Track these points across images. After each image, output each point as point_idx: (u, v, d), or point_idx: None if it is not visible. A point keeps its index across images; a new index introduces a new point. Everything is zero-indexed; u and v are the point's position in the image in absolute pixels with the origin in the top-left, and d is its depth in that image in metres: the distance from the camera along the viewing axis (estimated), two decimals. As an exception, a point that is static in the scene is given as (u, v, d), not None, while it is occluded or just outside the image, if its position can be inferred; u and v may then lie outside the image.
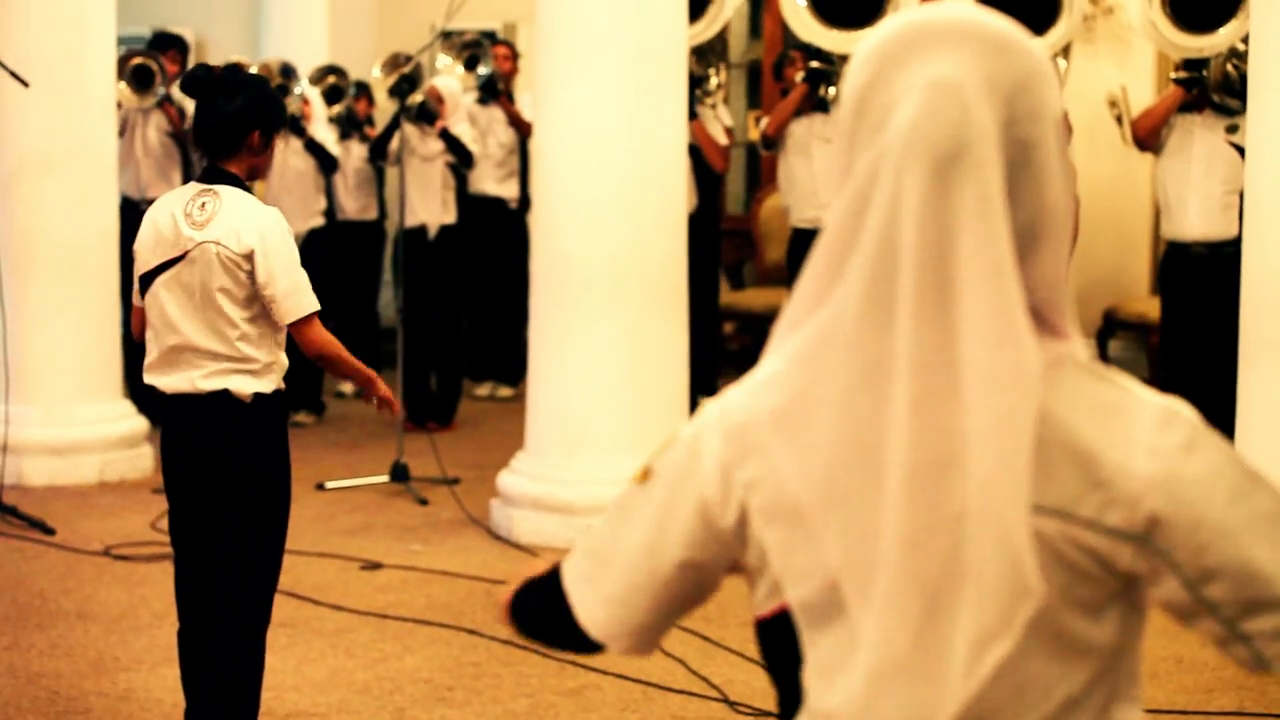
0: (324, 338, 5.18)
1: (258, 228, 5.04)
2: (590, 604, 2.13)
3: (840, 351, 1.85)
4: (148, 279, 5.14)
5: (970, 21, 1.89)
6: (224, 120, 5.12)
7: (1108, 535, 1.85)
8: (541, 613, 2.24)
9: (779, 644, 2.00)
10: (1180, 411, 1.90)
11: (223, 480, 5.05)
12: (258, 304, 5.08)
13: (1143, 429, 1.87)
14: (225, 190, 5.10)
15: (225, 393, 5.04)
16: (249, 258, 5.02)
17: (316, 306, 5.12)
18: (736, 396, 2.01)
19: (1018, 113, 1.86)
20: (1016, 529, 1.79)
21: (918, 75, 1.86)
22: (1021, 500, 1.79)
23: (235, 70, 5.28)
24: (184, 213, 5.08)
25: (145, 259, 5.15)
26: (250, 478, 5.07)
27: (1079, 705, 1.88)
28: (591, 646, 2.17)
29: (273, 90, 5.40)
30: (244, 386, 5.05)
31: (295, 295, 5.07)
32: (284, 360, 5.18)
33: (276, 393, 5.12)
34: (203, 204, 5.08)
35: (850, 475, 1.85)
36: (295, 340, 5.16)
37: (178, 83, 8.27)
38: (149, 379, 5.16)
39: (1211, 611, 1.88)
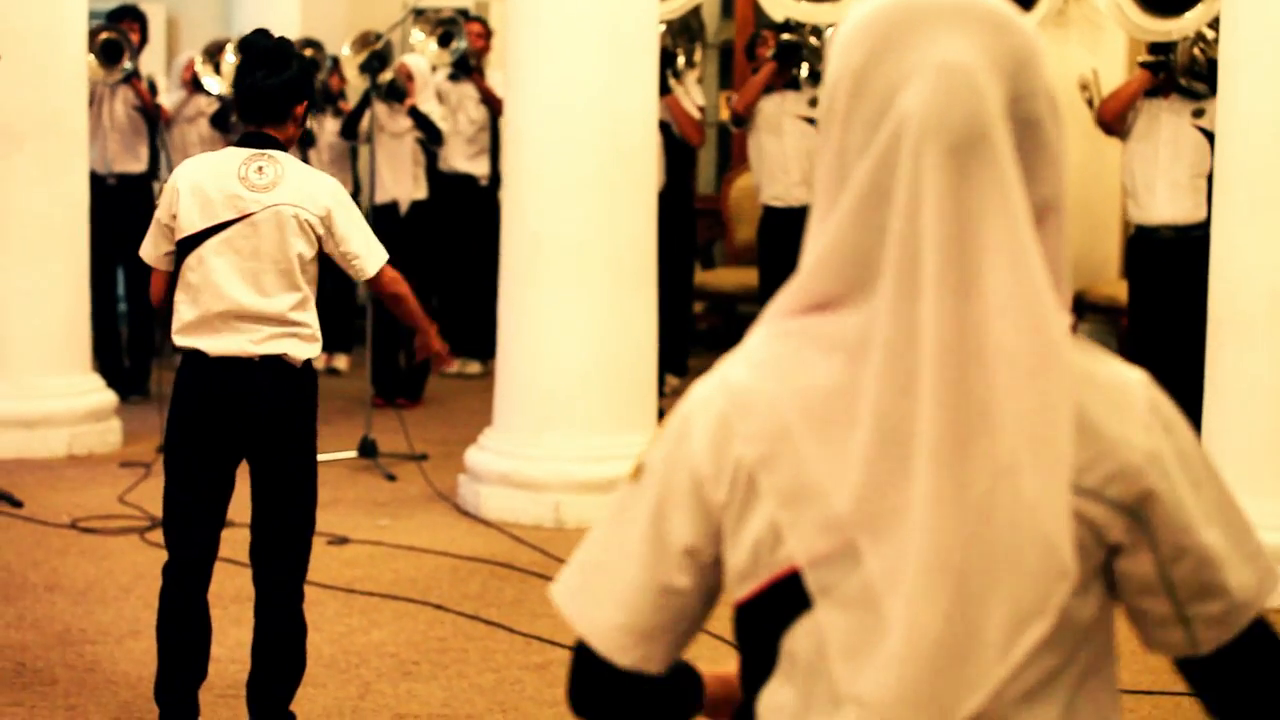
0: (399, 278, 5.34)
1: (329, 190, 5.14)
2: (591, 614, 2.00)
3: (874, 343, 1.82)
4: (191, 243, 5.10)
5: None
6: (283, 85, 5.14)
7: (1109, 506, 1.86)
8: (576, 680, 2.07)
9: (756, 625, 1.96)
10: (1159, 390, 1.92)
11: (278, 444, 5.14)
12: (314, 268, 5.16)
13: (1136, 404, 1.88)
14: (281, 155, 5.13)
15: (281, 357, 5.09)
16: (325, 220, 5.08)
17: (387, 255, 5.28)
18: (740, 374, 1.94)
19: (1021, 91, 1.84)
20: (1057, 511, 1.80)
21: (923, 56, 1.82)
22: (1062, 482, 1.80)
23: (286, 42, 5.29)
24: (238, 176, 5.07)
25: (190, 222, 5.08)
26: (301, 442, 5.21)
27: (1058, 678, 1.88)
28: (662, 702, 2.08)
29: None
30: (297, 352, 5.13)
31: (373, 247, 5.23)
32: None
33: (310, 361, 5.21)
34: (259, 168, 5.08)
35: (878, 463, 1.82)
36: (376, 286, 5.30)
37: (142, 55, 8.22)
38: (188, 340, 5.09)
39: (1169, 590, 1.89)
